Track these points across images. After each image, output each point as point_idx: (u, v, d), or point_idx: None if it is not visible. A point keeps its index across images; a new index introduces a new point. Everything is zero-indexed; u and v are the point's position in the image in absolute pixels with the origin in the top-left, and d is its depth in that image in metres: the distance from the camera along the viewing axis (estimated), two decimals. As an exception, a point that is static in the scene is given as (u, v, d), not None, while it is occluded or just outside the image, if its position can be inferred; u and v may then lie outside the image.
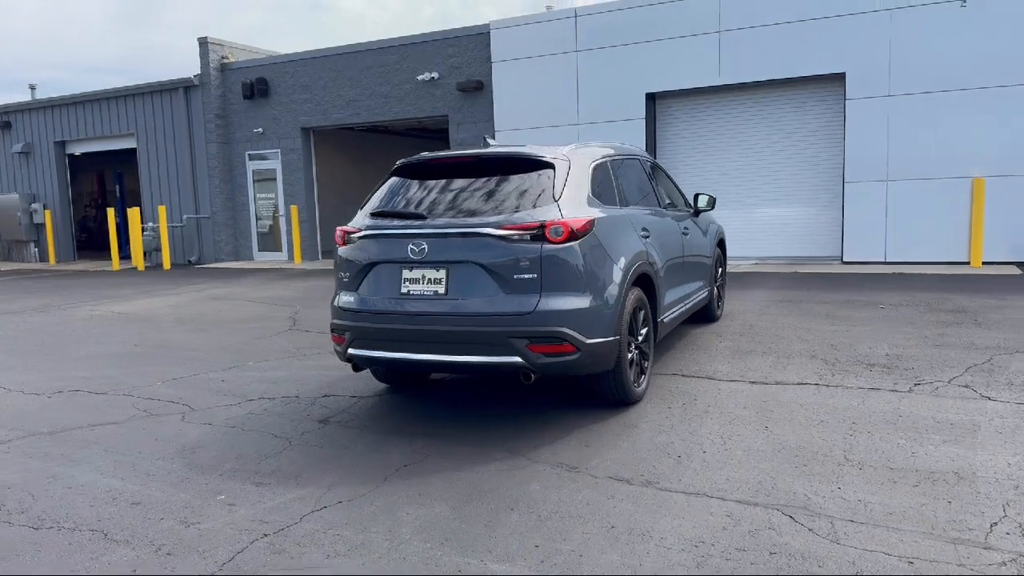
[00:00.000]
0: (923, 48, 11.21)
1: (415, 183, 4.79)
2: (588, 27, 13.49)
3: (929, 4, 11.13)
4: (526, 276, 4.17)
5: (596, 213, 4.56)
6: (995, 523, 3.02)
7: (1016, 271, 10.43)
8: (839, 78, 11.87)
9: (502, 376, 5.35)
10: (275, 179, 17.92)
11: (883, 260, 11.81)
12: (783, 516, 3.18)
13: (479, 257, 4.24)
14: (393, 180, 4.94)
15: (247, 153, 17.99)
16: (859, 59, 11.59)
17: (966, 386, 4.92)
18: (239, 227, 18.35)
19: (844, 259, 12.14)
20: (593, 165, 4.92)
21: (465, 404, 5.15)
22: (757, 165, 12.71)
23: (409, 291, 4.43)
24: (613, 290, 4.47)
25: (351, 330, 4.60)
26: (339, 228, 4.82)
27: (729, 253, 10.00)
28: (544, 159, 4.59)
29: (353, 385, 5.73)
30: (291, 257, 17.76)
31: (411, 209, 4.58)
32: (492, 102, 14.56)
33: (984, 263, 11.08)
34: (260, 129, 17.57)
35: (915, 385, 5.00)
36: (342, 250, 4.74)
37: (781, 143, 12.62)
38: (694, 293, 6.52)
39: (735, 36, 12.36)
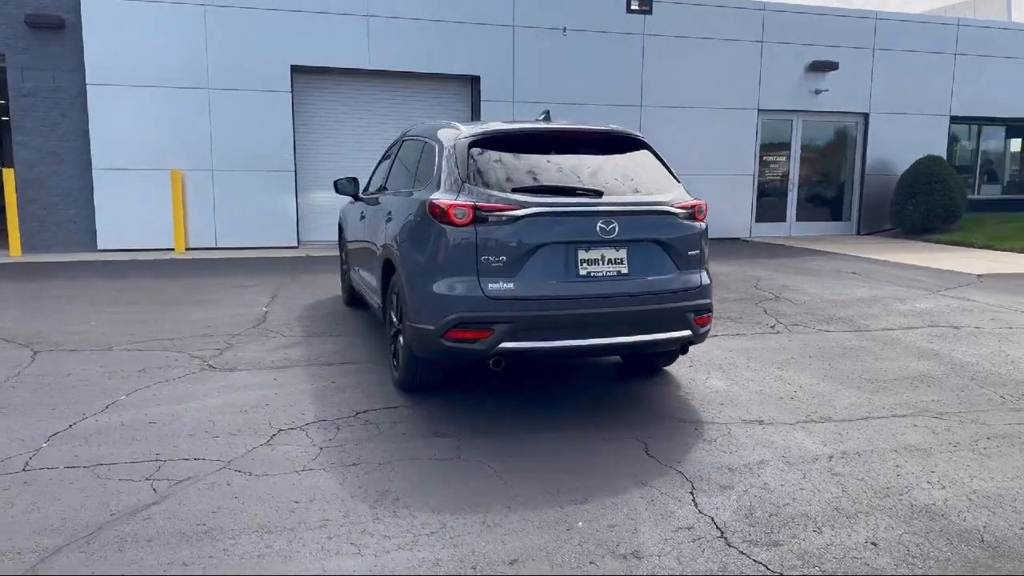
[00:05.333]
0: (545, 64, 13.54)
1: (527, 156, 4.42)
2: (219, -19, 11.93)
3: (537, 27, 13.47)
4: (693, 252, 4.46)
5: None
6: None
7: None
8: (477, 80, 13.37)
9: (657, 352, 4.99)
10: None
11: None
12: (977, 424, 4.48)
13: (660, 234, 4.32)
14: (490, 152, 4.41)
15: None
16: (490, 66, 13.29)
17: (800, 323, 6.98)
18: None
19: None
20: None
21: (509, 392, 4.92)
22: (402, 151, 13.33)
23: (590, 272, 4.17)
24: None
25: (512, 321, 4.04)
26: (461, 205, 4.07)
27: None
28: (640, 138, 4.81)
29: (355, 399, 4.76)
30: None
31: (575, 184, 4.28)
32: (81, 47, 11.56)
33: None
34: None
35: (782, 327, 6.84)
36: (484, 230, 4.04)
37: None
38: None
39: (383, 23, 12.67)
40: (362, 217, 6.30)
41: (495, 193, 4.20)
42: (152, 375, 5.17)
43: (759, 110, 15.05)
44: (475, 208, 4.10)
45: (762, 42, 14.80)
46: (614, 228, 4.19)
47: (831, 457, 3.89)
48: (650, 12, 13.98)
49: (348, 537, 3.01)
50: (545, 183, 4.30)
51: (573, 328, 4.19)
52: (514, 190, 4.22)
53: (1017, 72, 16.81)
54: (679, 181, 4.74)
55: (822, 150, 16.27)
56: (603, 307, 4.20)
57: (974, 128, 17.90)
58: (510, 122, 4.76)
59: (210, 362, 5.51)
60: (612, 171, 4.52)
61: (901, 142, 15.97)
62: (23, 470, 3.60)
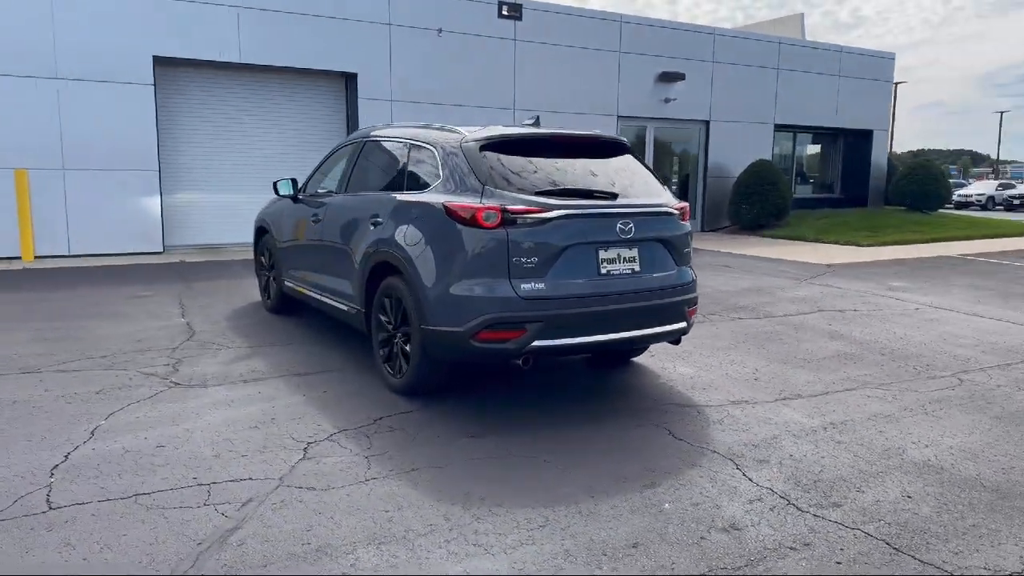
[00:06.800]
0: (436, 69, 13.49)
1: (534, 160, 4.55)
2: (66, -41, 10.74)
3: (414, 27, 13.43)
4: (686, 250, 4.83)
5: None
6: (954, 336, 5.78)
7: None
8: (354, 78, 13.05)
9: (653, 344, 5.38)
10: None
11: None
12: (913, 392, 5.20)
13: (663, 233, 4.63)
14: (500, 155, 4.49)
15: None
16: (367, 64, 13.05)
17: (715, 313, 7.66)
18: None
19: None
20: None
21: (505, 391, 5.06)
22: (283, 149, 12.72)
23: (609, 271, 4.39)
24: None
25: (542, 320, 4.17)
26: (489, 208, 4.13)
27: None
28: (626, 143, 5.09)
29: (360, 406, 4.66)
30: None
31: (592, 187, 4.47)
32: None
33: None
34: None
35: (702, 317, 7.45)
36: (515, 232, 4.13)
37: (308, 130, 12.94)
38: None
39: (255, 15, 12.02)
40: (316, 220, 6.07)
41: (518, 196, 4.30)
42: (116, 396, 4.70)
43: (618, 116, 16.02)
44: (503, 211, 4.19)
45: (620, 52, 15.77)
46: (631, 228, 4.45)
47: (825, 428, 4.42)
48: (520, 18, 14.42)
49: (465, 539, 3.03)
50: (564, 186, 4.47)
51: (596, 324, 4.40)
52: (536, 193, 4.35)
53: (823, 86, 19.20)
54: (664, 184, 5.10)
55: (671, 155, 17.63)
56: (622, 303, 4.44)
57: (790, 135, 20.20)
58: (508, 126, 4.87)
59: (172, 379, 5.10)
60: (614, 174, 4.78)
61: (735, 148, 17.68)
62: (51, 508, 3.21)
